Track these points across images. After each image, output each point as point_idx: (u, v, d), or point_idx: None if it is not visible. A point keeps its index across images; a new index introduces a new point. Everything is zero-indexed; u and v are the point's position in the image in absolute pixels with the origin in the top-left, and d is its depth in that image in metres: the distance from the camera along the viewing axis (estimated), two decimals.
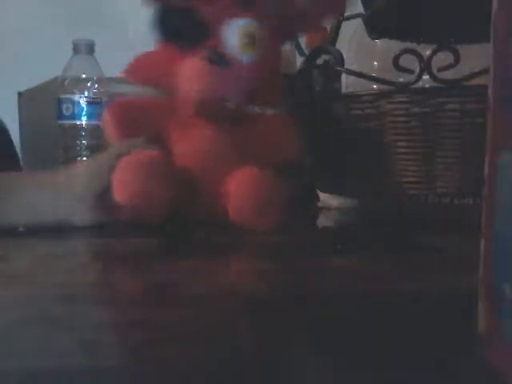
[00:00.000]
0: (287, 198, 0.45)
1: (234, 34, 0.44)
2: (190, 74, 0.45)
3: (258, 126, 0.50)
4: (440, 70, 0.48)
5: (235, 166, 0.45)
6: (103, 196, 0.44)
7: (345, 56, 0.55)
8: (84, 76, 0.69)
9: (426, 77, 0.48)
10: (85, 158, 0.66)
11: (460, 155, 0.47)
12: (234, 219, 0.44)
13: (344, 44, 0.64)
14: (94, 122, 0.68)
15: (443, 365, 0.20)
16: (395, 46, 0.56)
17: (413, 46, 0.53)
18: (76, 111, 0.69)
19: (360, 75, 0.53)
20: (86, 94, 0.69)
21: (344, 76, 0.67)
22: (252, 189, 0.45)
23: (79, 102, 0.68)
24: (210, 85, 0.44)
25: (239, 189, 0.45)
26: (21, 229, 0.45)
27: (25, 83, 0.81)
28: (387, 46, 0.61)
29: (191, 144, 0.47)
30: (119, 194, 0.43)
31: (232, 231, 0.46)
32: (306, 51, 0.75)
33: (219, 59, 0.44)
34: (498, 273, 0.19)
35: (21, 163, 0.78)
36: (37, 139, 0.81)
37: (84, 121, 0.69)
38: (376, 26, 0.55)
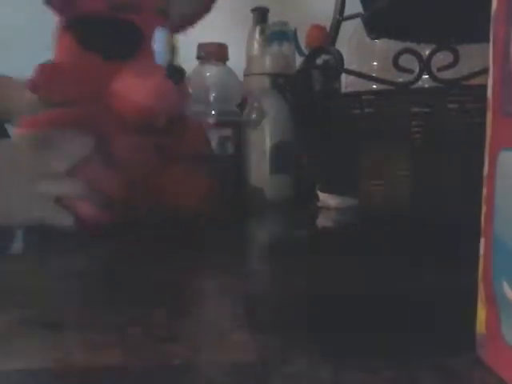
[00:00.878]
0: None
1: (160, 41, 0.46)
2: (151, 91, 0.44)
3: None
4: (440, 69, 0.47)
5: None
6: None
7: (344, 56, 0.55)
8: None
9: (425, 76, 0.48)
10: None
11: (460, 155, 0.47)
12: None
13: (344, 44, 0.64)
14: None
15: (443, 365, 0.20)
16: (395, 45, 0.56)
17: (412, 45, 0.53)
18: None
19: (359, 75, 0.53)
20: None
21: (343, 76, 0.67)
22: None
23: None
24: (170, 102, 0.45)
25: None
26: None
27: None
28: (387, 46, 0.61)
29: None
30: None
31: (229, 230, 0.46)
32: (306, 51, 0.75)
33: (176, 76, 0.44)
34: (497, 273, 0.19)
35: None
36: None
37: None
38: (375, 26, 0.55)
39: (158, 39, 0.46)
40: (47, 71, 0.47)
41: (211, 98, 0.68)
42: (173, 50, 0.46)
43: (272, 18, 0.80)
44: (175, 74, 0.45)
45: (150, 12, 0.47)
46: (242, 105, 0.69)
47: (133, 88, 0.44)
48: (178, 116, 0.49)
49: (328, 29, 0.61)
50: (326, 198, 0.62)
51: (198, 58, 0.70)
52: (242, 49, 0.80)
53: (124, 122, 0.45)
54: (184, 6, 0.51)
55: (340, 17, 0.58)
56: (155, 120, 0.46)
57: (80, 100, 0.46)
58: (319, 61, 0.60)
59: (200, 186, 0.51)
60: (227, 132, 0.66)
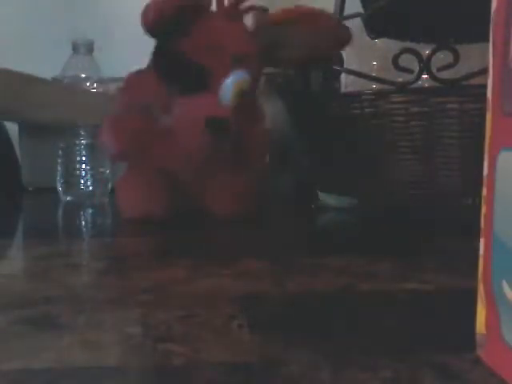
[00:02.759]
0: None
1: (229, 86, 0.48)
2: (190, 132, 0.47)
3: None
4: (439, 69, 0.47)
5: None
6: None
7: (344, 55, 0.55)
8: (83, 75, 0.69)
9: (425, 76, 0.48)
10: (84, 159, 0.66)
11: (459, 155, 0.47)
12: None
13: None
14: None
15: (443, 365, 0.20)
16: (394, 45, 0.56)
17: (412, 45, 0.53)
18: None
19: (359, 75, 0.53)
20: None
21: (343, 75, 0.67)
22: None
23: None
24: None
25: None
26: (30, 188, 0.53)
27: None
28: (386, 46, 0.61)
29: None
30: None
31: (231, 230, 0.46)
32: None
33: (220, 130, 0.47)
34: (497, 273, 0.19)
35: (20, 162, 0.78)
36: (36, 139, 0.81)
37: None
38: (375, 26, 0.55)
39: (227, 84, 0.48)
40: (131, 79, 0.53)
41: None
42: (239, 93, 0.48)
43: None
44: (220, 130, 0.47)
45: (224, 58, 0.49)
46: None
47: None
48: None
49: None
50: (325, 198, 0.62)
51: None
52: None
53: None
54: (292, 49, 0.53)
55: (340, 17, 0.58)
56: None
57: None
58: None
59: (240, 190, 0.53)
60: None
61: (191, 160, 0.49)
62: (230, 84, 0.48)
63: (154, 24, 0.47)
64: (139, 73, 0.52)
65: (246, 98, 0.49)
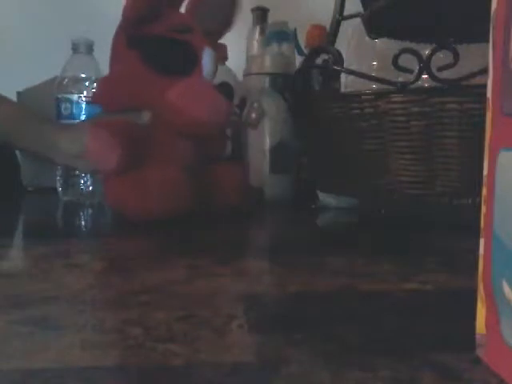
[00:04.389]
0: None
1: (208, 60, 0.52)
2: (209, 108, 0.50)
3: None
4: (439, 69, 0.47)
5: None
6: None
7: (344, 56, 0.55)
8: (83, 76, 0.69)
9: (425, 76, 0.48)
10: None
11: (459, 155, 0.47)
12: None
13: (343, 44, 0.64)
14: None
15: (443, 365, 0.20)
16: (394, 45, 0.56)
17: (412, 45, 0.53)
18: (75, 111, 0.68)
19: (359, 75, 0.53)
20: (85, 93, 0.68)
21: (343, 76, 0.67)
22: None
23: (78, 102, 0.68)
24: (223, 116, 0.51)
25: None
26: (30, 188, 0.54)
27: (24, 83, 0.81)
28: (386, 46, 0.61)
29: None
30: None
31: (231, 230, 0.46)
32: (306, 51, 0.75)
33: (227, 92, 0.51)
34: (497, 273, 0.19)
35: (19, 162, 0.78)
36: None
37: None
38: (375, 26, 0.55)
39: (206, 58, 0.51)
40: (108, 83, 0.54)
41: None
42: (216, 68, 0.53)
43: (272, 17, 0.80)
44: (227, 91, 0.49)
45: (199, 33, 0.53)
46: (241, 105, 0.69)
47: (192, 104, 0.49)
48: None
49: (328, 28, 0.61)
50: (325, 198, 0.62)
51: None
52: (242, 49, 0.80)
53: (176, 130, 0.50)
54: (208, 22, 0.56)
55: (340, 16, 0.58)
56: (209, 132, 0.51)
57: (134, 109, 0.52)
58: (319, 60, 0.60)
59: (237, 183, 0.55)
60: (227, 132, 0.66)
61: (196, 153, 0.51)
62: (210, 60, 0.51)
63: (135, 16, 0.49)
64: (112, 75, 0.54)
65: None
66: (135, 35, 0.52)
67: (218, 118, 0.50)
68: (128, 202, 0.49)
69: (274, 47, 0.75)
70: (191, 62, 0.52)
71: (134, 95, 0.52)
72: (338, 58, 0.53)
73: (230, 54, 0.78)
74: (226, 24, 0.57)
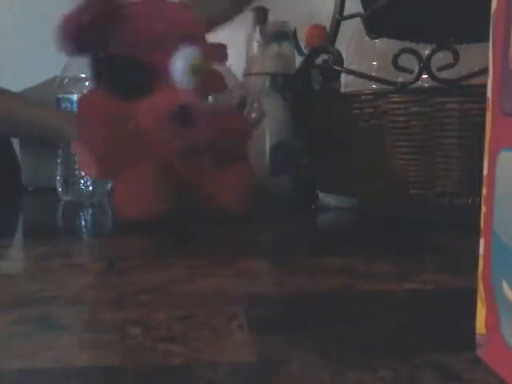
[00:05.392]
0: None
1: (182, 65, 0.46)
2: (154, 119, 0.46)
3: None
4: (439, 69, 0.47)
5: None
6: None
7: (344, 55, 0.55)
8: (83, 76, 0.69)
9: (425, 76, 0.48)
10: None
11: (459, 155, 0.47)
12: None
13: (343, 43, 0.64)
14: None
15: (443, 365, 0.20)
16: (394, 45, 0.56)
17: (412, 45, 0.53)
18: (75, 111, 0.68)
19: (359, 75, 0.53)
20: None
21: (343, 75, 0.67)
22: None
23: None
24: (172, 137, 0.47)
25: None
26: (30, 188, 0.54)
27: (24, 83, 0.81)
28: (386, 46, 0.61)
29: None
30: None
31: (231, 230, 0.46)
32: (306, 51, 0.75)
33: (184, 119, 0.45)
34: (496, 273, 0.19)
35: (20, 162, 0.78)
36: (35, 138, 0.81)
37: None
38: (375, 26, 0.55)
39: (176, 63, 0.46)
40: (82, 106, 0.51)
41: (211, 98, 0.68)
42: (196, 71, 0.46)
43: (272, 17, 0.80)
44: (183, 119, 0.45)
45: (160, 44, 0.48)
46: (241, 105, 0.69)
47: (145, 113, 0.46)
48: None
49: (328, 28, 0.61)
50: (325, 198, 0.62)
51: None
52: (242, 49, 0.80)
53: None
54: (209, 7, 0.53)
55: (340, 16, 0.58)
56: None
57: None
58: (318, 60, 0.60)
59: (238, 185, 0.53)
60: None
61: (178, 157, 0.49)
62: (182, 65, 0.46)
63: (77, 38, 0.46)
64: (91, 95, 0.51)
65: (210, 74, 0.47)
66: (98, 56, 0.49)
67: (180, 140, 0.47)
68: (115, 201, 0.50)
69: (274, 47, 0.75)
70: (149, 84, 0.47)
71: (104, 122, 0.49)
72: (338, 58, 0.53)
73: (229, 54, 0.78)
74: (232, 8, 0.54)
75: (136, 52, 0.47)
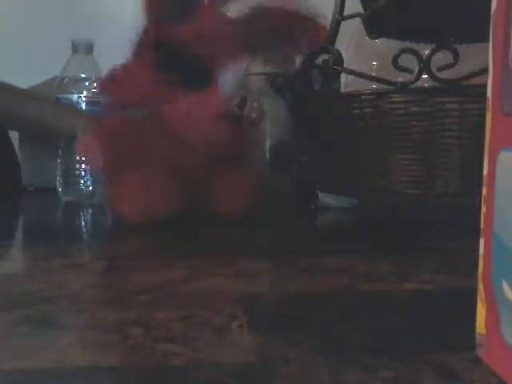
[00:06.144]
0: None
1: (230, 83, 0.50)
2: (204, 124, 0.47)
3: None
4: (439, 69, 0.47)
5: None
6: None
7: (344, 55, 0.55)
8: (83, 76, 0.69)
9: (425, 76, 0.48)
10: (84, 159, 0.66)
11: (459, 155, 0.47)
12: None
13: (343, 43, 0.64)
14: None
15: (443, 365, 0.20)
16: (394, 45, 0.56)
17: (412, 45, 0.53)
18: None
19: (359, 75, 0.53)
20: (85, 93, 0.69)
21: (343, 75, 0.67)
22: None
23: (78, 102, 0.68)
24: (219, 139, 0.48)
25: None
26: (30, 188, 0.54)
27: (24, 82, 0.81)
28: (386, 46, 0.61)
29: None
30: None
31: (231, 230, 0.46)
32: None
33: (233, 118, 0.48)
34: (496, 273, 0.19)
35: (19, 162, 0.78)
36: (35, 138, 0.81)
37: None
38: (375, 26, 0.55)
39: (225, 77, 0.49)
40: (117, 75, 0.52)
41: None
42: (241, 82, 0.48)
43: None
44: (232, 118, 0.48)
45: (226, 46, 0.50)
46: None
47: (187, 127, 0.47)
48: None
49: (328, 28, 0.61)
50: (325, 198, 0.62)
51: None
52: None
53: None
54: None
55: (340, 16, 0.58)
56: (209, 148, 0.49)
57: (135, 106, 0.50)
58: (318, 60, 0.60)
59: (241, 187, 0.53)
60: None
61: (199, 156, 0.49)
62: (228, 80, 0.49)
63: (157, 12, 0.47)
64: (126, 66, 0.52)
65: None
66: (160, 37, 0.50)
67: (209, 148, 0.48)
68: (113, 203, 0.50)
69: None
70: (203, 80, 0.49)
71: (139, 94, 0.50)
72: (338, 58, 0.53)
73: None
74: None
75: (201, 45, 0.49)
